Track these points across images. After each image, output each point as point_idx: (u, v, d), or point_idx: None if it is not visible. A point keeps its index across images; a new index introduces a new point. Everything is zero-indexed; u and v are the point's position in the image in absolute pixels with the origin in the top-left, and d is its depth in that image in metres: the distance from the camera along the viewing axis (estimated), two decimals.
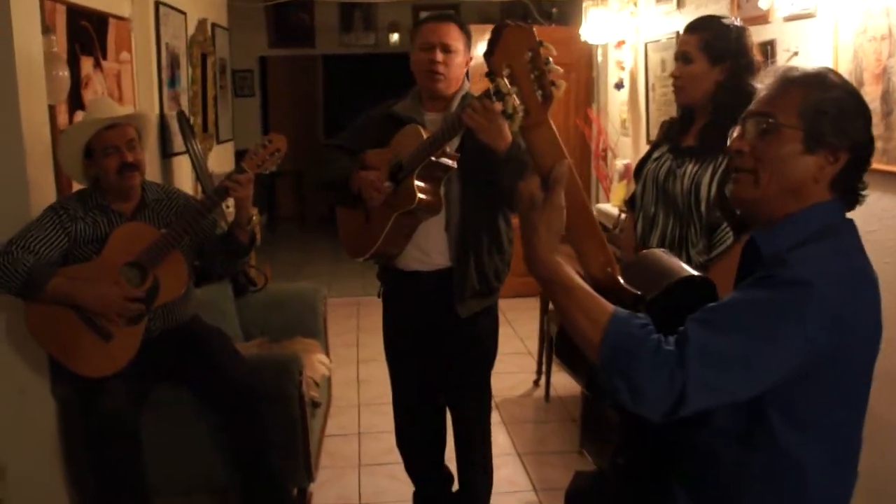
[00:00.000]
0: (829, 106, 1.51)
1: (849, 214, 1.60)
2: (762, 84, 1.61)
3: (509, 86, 1.38)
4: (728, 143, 1.61)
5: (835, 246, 1.51)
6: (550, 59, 1.38)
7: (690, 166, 2.53)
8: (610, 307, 1.46)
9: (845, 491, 1.61)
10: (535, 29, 1.37)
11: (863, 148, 1.55)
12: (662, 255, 1.70)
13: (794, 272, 1.44)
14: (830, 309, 1.42)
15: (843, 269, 1.48)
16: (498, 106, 1.42)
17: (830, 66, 3.15)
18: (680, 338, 1.42)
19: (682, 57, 2.60)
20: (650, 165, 2.72)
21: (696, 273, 1.63)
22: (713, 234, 2.48)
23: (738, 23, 2.60)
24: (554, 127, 1.43)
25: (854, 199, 1.59)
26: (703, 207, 2.46)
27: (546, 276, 1.49)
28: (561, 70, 1.39)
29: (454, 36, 2.74)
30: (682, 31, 2.68)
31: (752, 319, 1.43)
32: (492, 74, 1.38)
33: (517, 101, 1.38)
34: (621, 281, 1.54)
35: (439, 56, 2.73)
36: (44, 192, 3.08)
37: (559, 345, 1.62)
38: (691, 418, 1.45)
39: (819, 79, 1.55)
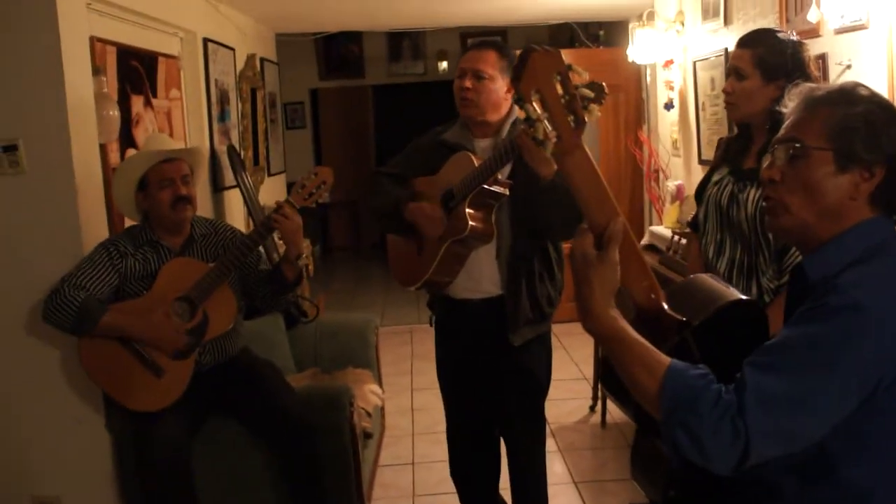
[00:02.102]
0: (857, 121, 1.44)
1: None
2: (787, 108, 1.55)
3: (539, 111, 1.35)
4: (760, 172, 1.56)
5: (886, 265, 1.44)
6: (580, 83, 1.35)
7: (753, 191, 2.43)
8: (667, 360, 1.40)
9: None
10: (575, 52, 1.34)
11: None
12: (709, 279, 1.65)
13: (845, 298, 1.37)
14: (890, 333, 1.35)
15: None
16: (529, 132, 1.38)
17: (885, 77, 3.06)
18: (738, 384, 1.36)
19: (734, 72, 2.50)
20: (711, 189, 2.62)
21: (743, 297, 1.58)
22: (783, 259, 2.38)
23: (794, 37, 2.50)
24: (589, 153, 1.39)
25: None
26: (770, 233, 2.38)
27: (601, 333, 1.45)
28: (592, 94, 1.35)
29: (490, 62, 2.74)
30: (733, 46, 2.58)
31: (809, 356, 1.35)
32: (520, 100, 1.35)
33: (548, 127, 1.35)
34: (665, 307, 1.49)
35: (468, 82, 2.74)
36: (96, 230, 3.13)
37: (606, 376, 1.57)
38: None
39: (843, 94, 1.49)
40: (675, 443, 1.36)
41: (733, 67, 2.51)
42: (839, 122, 1.45)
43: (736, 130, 2.67)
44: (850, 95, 1.48)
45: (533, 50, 1.34)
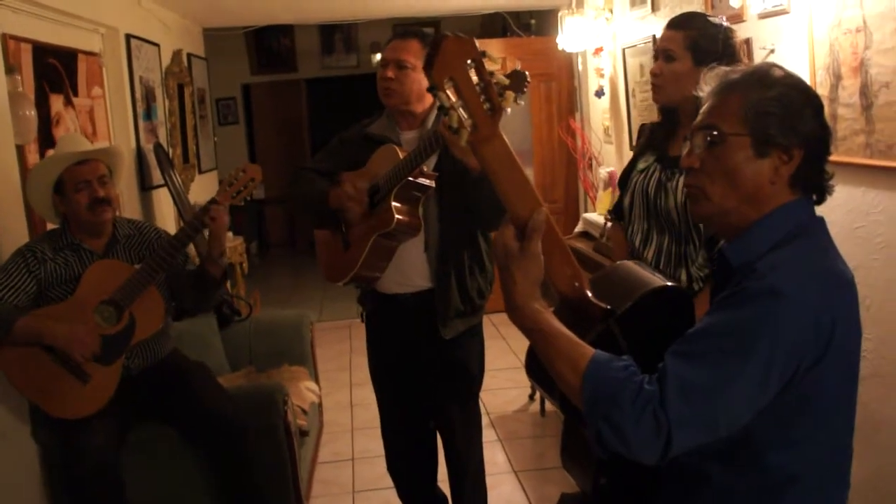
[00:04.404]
0: (773, 105, 1.43)
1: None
2: (703, 92, 1.54)
3: (454, 99, 1.32)
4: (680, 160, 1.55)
5: (805, 248, 1.43)
6: (496, 70, 1.32)
7: (682, 178, 2.35)
8: (590, 351, 1.39)
9: (837, 502, 1.54)
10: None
11: (816, 141, 1.46)
12: (634, 265, 1.64)
13: (762, 282, 1.36)
14: (807, 317, 1.35)
15: (815, 273, 1.40)
16: (444, 121, 1.35)
17: (807, 61, 3.11)
18: (660, 374, 1.35)
19: (663, 54, 2.44)
20: (637, 177, 2.57)
21: (668, 283, 1.57)
22: (713, 248, 2.33)
23: (725, 23, 2.45)
24: (507, 141, 1.37)
25: (821, 192, 1.51)
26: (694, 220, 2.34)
27: (524, 325, 1.44)
28: (507, 81, 1.33)
29: (412, 51, 2.70)
30: (664, 28, 2.51)
31: (727, 342, 1.35)
32: (433, 88, 1.32)
33: (464, 115, 1.32)
34: (590, 295, 1.48)
35: (389, 72, 2.71)
36: (15, 235, 3.03)
37: (530, 365, 1.55)
38: None
39: (758, 77, 1.47)
40: (600, 435, 1.35)
41: (663, 49, 2.45)
42: (754, 106, 1.44)
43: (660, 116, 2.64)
44: (765, 78, 1.47)
45: (445, 37, 1.31)
